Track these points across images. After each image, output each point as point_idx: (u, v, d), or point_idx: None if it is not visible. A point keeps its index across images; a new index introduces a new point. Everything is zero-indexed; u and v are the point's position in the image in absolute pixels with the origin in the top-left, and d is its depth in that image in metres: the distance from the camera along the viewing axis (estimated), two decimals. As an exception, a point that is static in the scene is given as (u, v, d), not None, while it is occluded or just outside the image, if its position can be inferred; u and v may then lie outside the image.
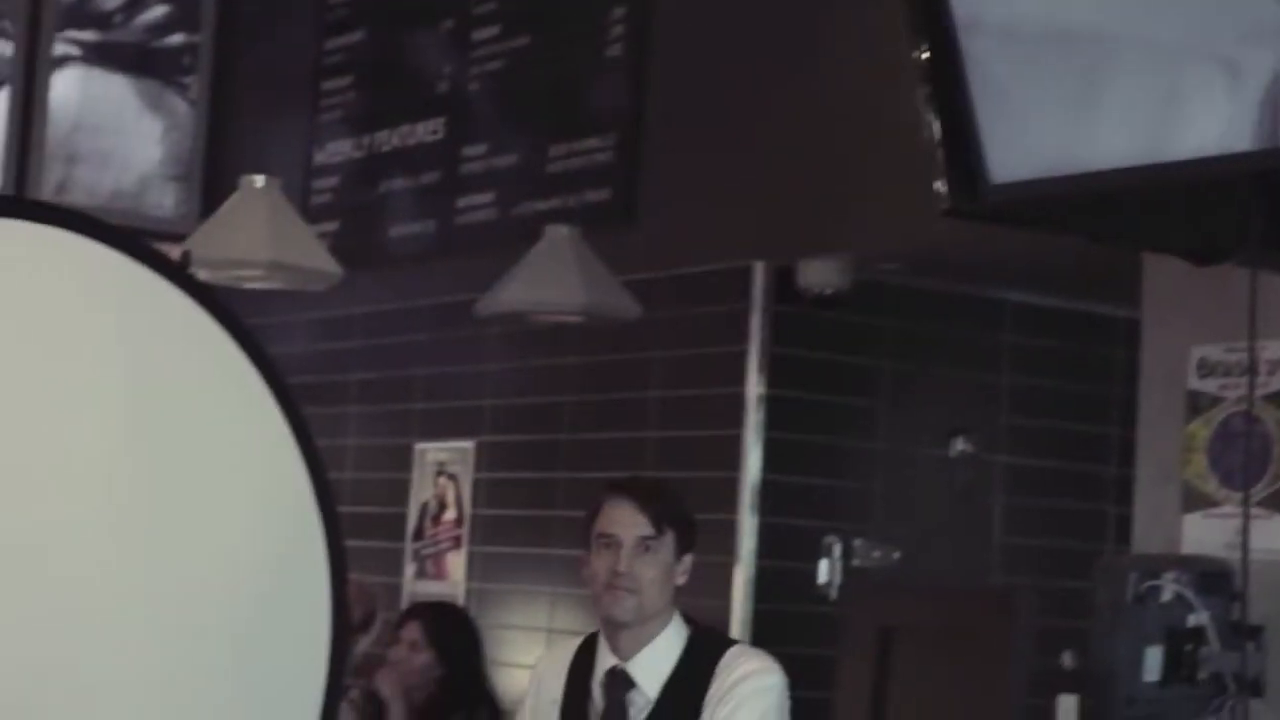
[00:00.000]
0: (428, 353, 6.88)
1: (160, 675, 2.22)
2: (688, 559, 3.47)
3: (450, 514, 6.71)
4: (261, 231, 5.10)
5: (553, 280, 5.41)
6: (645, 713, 3.41)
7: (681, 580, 3.46)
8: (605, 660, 3.45)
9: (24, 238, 2.15)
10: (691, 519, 3.51)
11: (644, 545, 3.39)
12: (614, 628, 3.43)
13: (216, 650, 2.27)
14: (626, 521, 3.40)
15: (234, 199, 5.29)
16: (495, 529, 6.58)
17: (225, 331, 2.29)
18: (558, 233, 5.50)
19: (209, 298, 2.29)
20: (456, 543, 6.60)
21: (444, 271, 6.73)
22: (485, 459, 6.61)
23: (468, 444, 6.67)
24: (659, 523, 3.41)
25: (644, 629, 3.41)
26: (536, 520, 6.34)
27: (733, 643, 3.54)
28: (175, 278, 2.26)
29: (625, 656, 3.42)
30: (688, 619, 3.51)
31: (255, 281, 5.17)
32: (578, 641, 3.59)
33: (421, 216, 6.90)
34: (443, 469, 6.77)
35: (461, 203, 6.73)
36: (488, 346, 6.55)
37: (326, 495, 2.44)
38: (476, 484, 6.62)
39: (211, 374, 2.29)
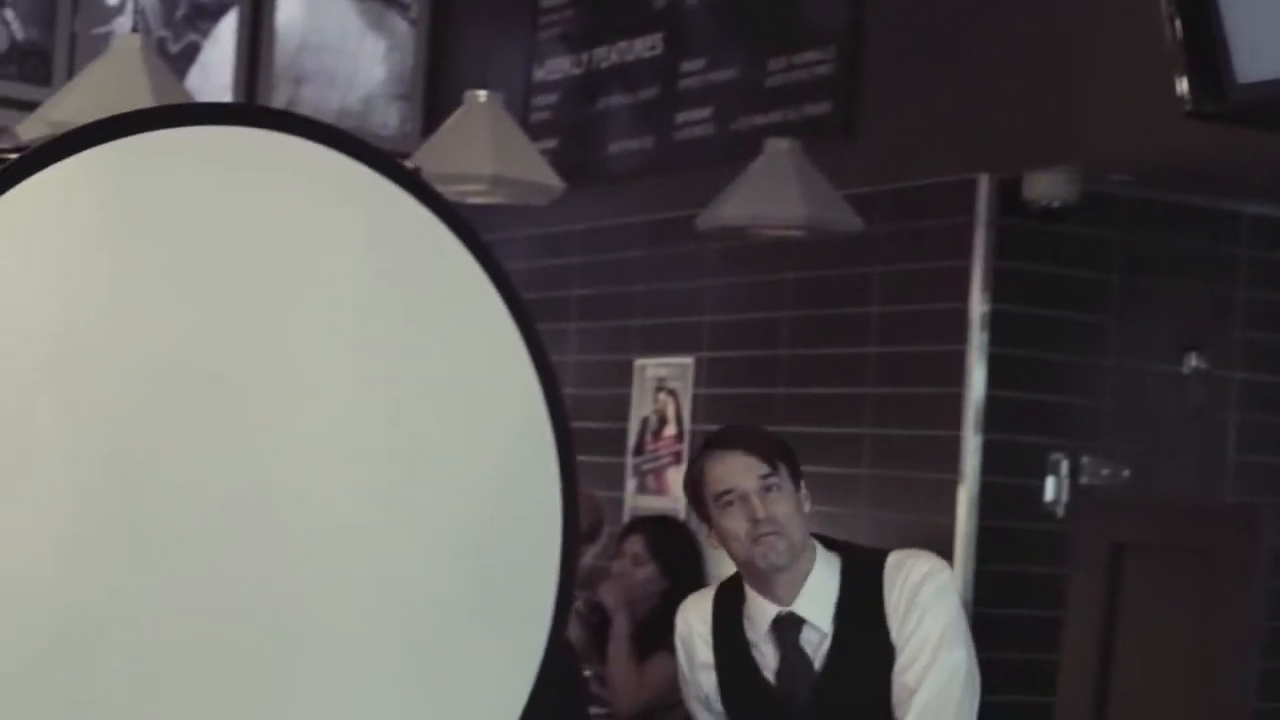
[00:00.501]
0: (647, 268, 6.89)
1: (397, 580, 2.25)
2: (803, 486, 3.38)
3: (670, 429, 6.73)
4: (484, 146, 5.13)
5: (773, 194, 5.37)
6: (825, 647, 3.33)
7: (808, 508, 3.37)
8: (765, 612, 3.36)
9: (269, 146, 2.19)
10: (790, 447, 3.42)
11: (767, 486, 3.29)
12: (768, 577, 3.33)
13: (453, 555, 2.30)
14: (741, 470, 3.31)
15: (457, 114, 5.33)
16: (715, 444, 6.59)
17: (462, 244, 2.30)
18: (778, 146, 5.45)
19: (447, 210, 2.30)
20: (677, 458, 6.63)
21: (662, 187, 6.72)
22: (705, 374, 6.61)
23: (687, 359, 6.67)
24: (771, 460, 3.32)
25: (797, 567, 3.32)
26: (756, 436, 6.33)
27: (884, 552, 3.40)
28: (415, 190, 2.28)
29: (787, 601, 3.33)
30: (826, 543, 3.41)
31: (478, 197, 5.22)
32: (707, 604, 3.50)
33: (640, 132, 6.90)
34: (662, 384, 6.79)
35: (680, 118, 6.71)
36: (707, 262, 6.54)
37: (559, 408, 2.45)
38: (696, 399, 6.63)
39: (448, 285, 2.31)
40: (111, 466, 2.09)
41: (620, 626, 5.40)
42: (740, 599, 3.41)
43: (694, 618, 3.49)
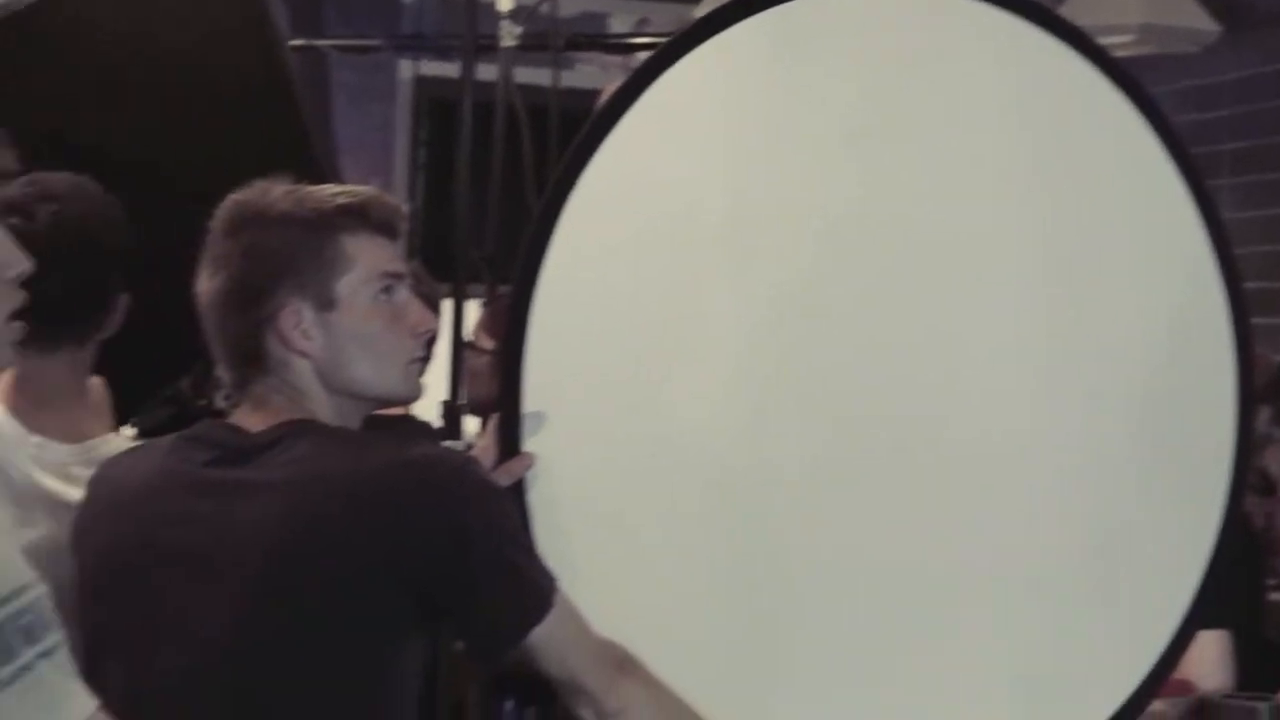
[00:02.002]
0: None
1: (1067, 446, 2.21)
2: None
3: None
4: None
5: None
6: None
7: None
8: None
9: (926, 5, 2.17)
10: None
11: None
12: None
13: (1126, 423, 2.24)
14: None
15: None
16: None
17: (1128, 100, 2.21)
18: None
19: (1111, 65, 2.22)
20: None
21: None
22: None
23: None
24: None
25: None
26: None
27: None
28: (1078, 44, 2.20)
29: None
30: None
31: (1125, 49, 5.01)
32: None
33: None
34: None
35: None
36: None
37: (1231, 270, 2.33)
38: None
39: (1115, 144, 2.23)
40: (785, 325, 2.13)
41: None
42: None
43: None
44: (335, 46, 4.61)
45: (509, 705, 2.91)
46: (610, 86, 2.34)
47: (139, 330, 2.24)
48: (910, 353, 2.15)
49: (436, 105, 6.20)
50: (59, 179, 2.19)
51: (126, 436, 2.34)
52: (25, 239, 2.07)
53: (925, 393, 2.16)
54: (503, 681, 2.84)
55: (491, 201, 3.05)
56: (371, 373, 1.95)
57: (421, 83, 5.56)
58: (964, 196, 2.17)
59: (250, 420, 1.93)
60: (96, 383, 2.32)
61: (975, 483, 2.18)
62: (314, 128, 2.78)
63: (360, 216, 1.94)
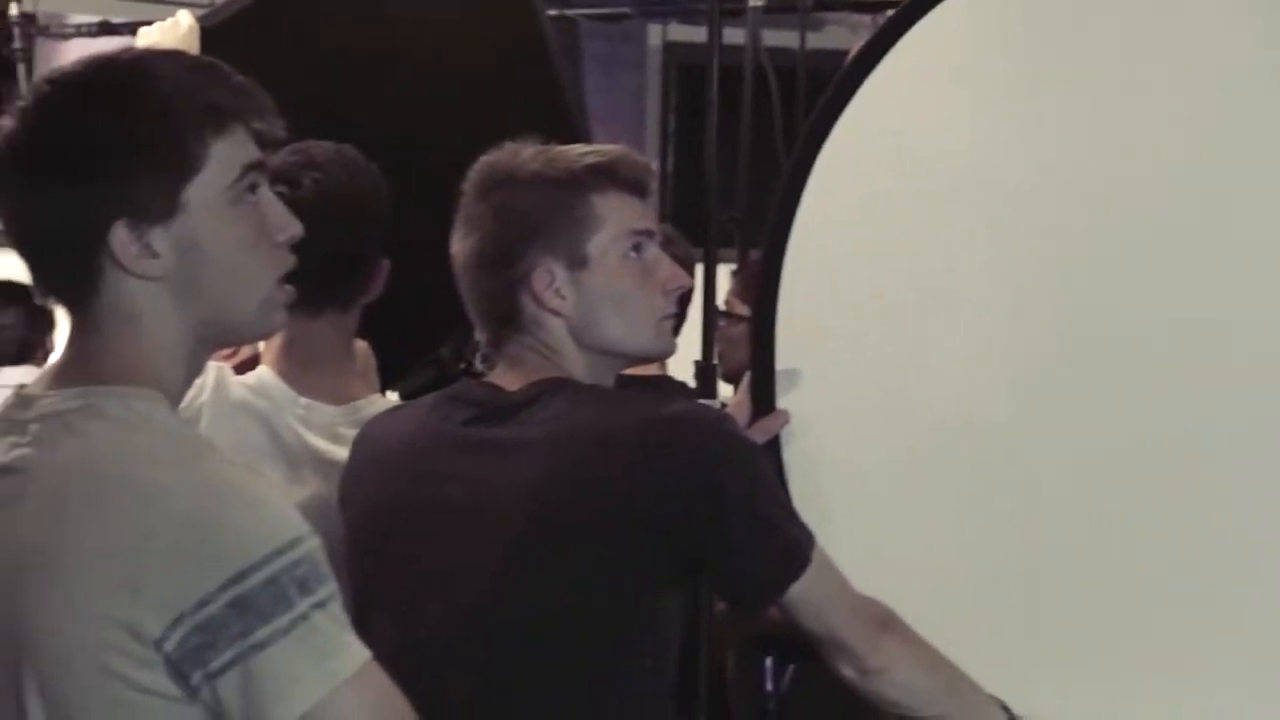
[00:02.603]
0: None
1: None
2: None
3: None
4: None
5: None
6: None
7: None
8: None
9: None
10: None
11: None
12: None
13: None
14: None
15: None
16: None
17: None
18: None
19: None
20: None
21: None
22: None
23: None
24: None
25: None
26: None
27: None
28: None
29: None
30: None
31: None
32: None
33: None
34: None
35: None
36: None
37: None
38: None
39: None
40: (1041, 282, 2.08)
41: None
42: None
43: None
44: (585, 16, 4.64)
45: (768, 662, 2.91)
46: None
47: (402, 297, 2.29)
48: (1174, 316, 2.05)
49: (685, 71, 6.21)
50: (322, 148, 2.25)
51: (391, 400, 2.40)
52: (290, 206, 2.14)
53: (1192, 363, 2.05)
54: (762, 640, 2.84)
55: (741, 165, 3.05)
56: (623, 330, 1.97)
57: (670, 49, 5.57)
58: (1225, 157, 2.06)
59: (507, 379, 1.97)
60: (362, 346, 2.38)
61: (1256, 461, 2.04)
62: (573, 98, 2.81)
63: (609, 175, 1.96)
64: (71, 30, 4.88)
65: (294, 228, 1.53)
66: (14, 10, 4.60)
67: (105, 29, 4.57)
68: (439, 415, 1.98)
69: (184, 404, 2.18)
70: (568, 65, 2.92)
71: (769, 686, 2.91)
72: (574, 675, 1.86)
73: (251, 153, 1.49)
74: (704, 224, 2.69)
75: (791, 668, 2.89)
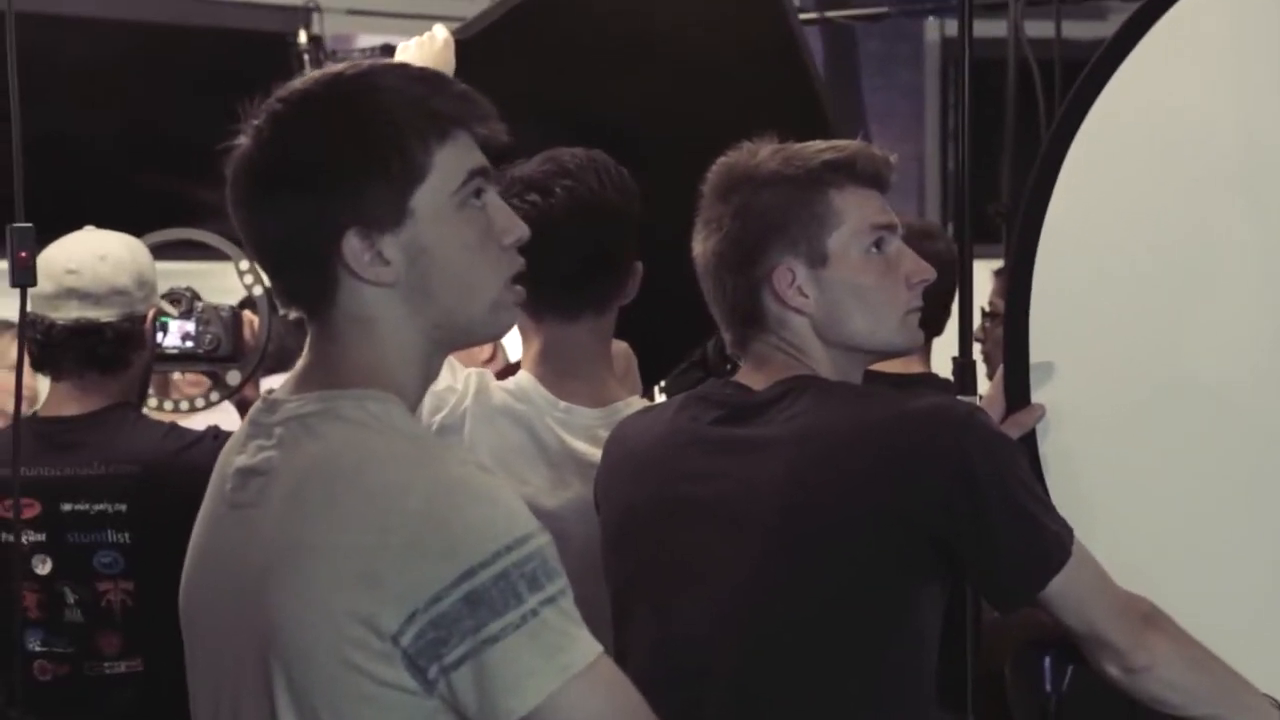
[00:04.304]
0: None
1: None
2: None
3: None
4: None
5: None
6: None
7: None
8: None
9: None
10: None
11: None
12: None
13: None
14: None
15: None
16: None
17: None
18: None
19: None
20: None
21: None
22: None
23: None
24: None
25: None
26: None
27: None
28: None
29: None
30: None
31: None
32: None
33: None
34: None
35: None
36: None
37: None
38: None
39: None
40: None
41: None
42: None
43: None
44: (852, 17, 4.62)
45: (1047, 663, 2.85)
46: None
47: (663, 297, 2.31)
48: None
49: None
50: (573, 154, 2.28)
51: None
52: (544, 214, 2.18)
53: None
54: (1041, 641, 2.79)
55: (1006, 157, 3.00)
56: (868, 325, 1.95)
57: (949, 44, 5.50)
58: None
59: (753, 378, 1.97)
60: (623, 348, 2.41)
61: None
62: (826, 96, 2.80)
63: (847, 171, 1.94)
64: (358, 54, 5.05)
65: (520, 230, 1.56)
66: (303, 37, 4.78)
67: (389, 53, 4.71)
68: (688, 415, 1.99)
69: (446, 410, 2.26)
70: (841, 66, 2.91)
71: (1048, 687, 2.85)
72: (830, 668, 1.85)
73: (476, 158, 1.52)
74: (968, 217, 2.65)
75: (1071, 669, 2.83)
